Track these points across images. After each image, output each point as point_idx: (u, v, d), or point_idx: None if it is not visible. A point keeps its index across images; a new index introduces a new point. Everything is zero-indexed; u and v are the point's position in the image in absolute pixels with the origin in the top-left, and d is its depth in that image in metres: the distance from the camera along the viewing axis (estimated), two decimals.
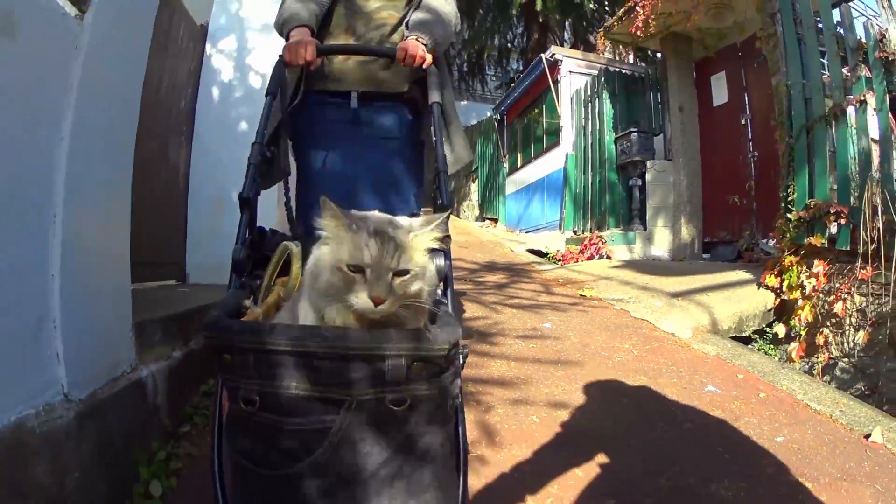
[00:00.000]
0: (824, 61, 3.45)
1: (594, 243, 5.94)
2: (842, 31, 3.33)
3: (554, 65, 7.45)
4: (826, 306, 3.22)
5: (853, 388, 3.12)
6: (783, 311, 3.45)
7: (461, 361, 0.85)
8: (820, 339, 3.24)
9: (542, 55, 7.57)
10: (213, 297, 2.05)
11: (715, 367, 2.64)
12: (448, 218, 1.09)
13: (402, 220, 0.89)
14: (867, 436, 1.99)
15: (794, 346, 3.33)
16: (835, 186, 3.28)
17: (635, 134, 5.73)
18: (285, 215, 1.49)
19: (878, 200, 2.98)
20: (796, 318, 3.32)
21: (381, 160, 1.65)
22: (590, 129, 6.79)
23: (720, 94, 5.25)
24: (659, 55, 6.13)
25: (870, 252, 2.95)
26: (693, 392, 2.31)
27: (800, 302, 3.30)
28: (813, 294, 3.25)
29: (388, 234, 0.79)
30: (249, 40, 3.42)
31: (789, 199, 3.42)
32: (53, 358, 1.12)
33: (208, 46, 3.39)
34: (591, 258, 5.83)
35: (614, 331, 3.09)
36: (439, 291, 1.03)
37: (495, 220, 10.47)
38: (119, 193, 1.42)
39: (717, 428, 2.02)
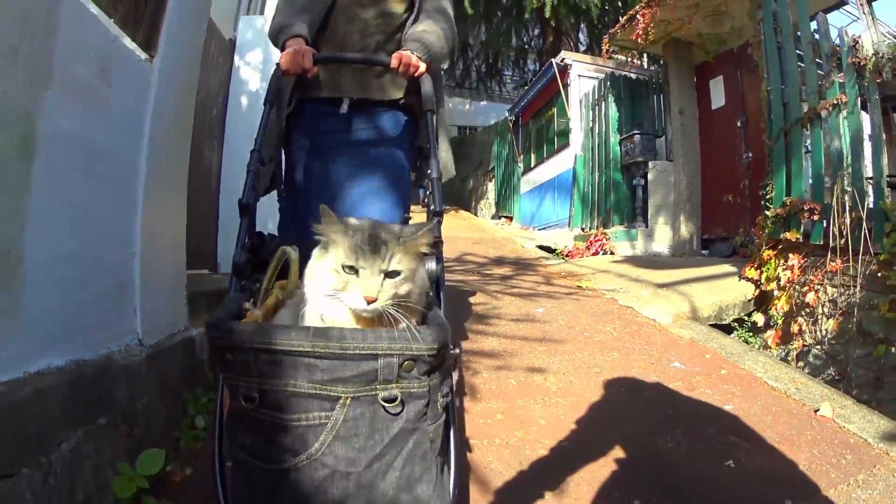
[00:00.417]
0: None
1: (598, 239, 6.23)
2: (818, 37, 3.58)
3: (564, 69, 7.75)
4: (800, 297, 3.47)
5: (824, 373, 3.32)
6: (762, 301, 3.71)
7: (454, 364, 0.91)
8: (795, 328, 3.49)
9: (553, 59, 7.88)
10: None
11: (686, 348, 2.93)
12: (440, 224, 1.21)
13: (394, 226, 0.96)
14: (816, 410, 2.14)
15: (770, 333, 3.59)
16: (810, 184, 3.53)
17: (638, 136, 6.01)
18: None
19: (847, 198, 3.23)
20: (773, 308, 3.58)
21: (374, 166, 1.66)
22: (597, 131, 7.08)
23: (718, 97, 5.49)
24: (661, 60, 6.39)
25: (839, 246, 3.20)
26: (659, 367, 2.61)
27: (776, 293, 3.56)
28: (788, 285, 3.51)
29: (381, 238, 0.87)
30: (274, 53, 3.78)
31: (767, 196, 3.69)
32: (133, 312, 1.52)
33: (236, 59, 3.74)
34: (595, 254, 6.12)
35: (600, 316, 3.40)
36: (431, 293, 1.06)
37: (510, 218, 10.76)
38: (179, 193, 1.83)
39: (672, 395, 2.30)
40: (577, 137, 7.64)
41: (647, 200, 6.01)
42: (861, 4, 3.63)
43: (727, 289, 3.78)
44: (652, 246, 5.90)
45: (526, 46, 13.70)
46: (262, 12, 4.28)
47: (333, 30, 1.69)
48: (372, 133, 1.70)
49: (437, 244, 1.09)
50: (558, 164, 8.30)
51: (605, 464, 1.72)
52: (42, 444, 1.09)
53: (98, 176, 1.38)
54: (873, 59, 3.20)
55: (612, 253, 6.01)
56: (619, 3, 9.11)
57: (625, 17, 5.71)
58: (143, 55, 1.53)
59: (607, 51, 6.21)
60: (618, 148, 6.53)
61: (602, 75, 7.15)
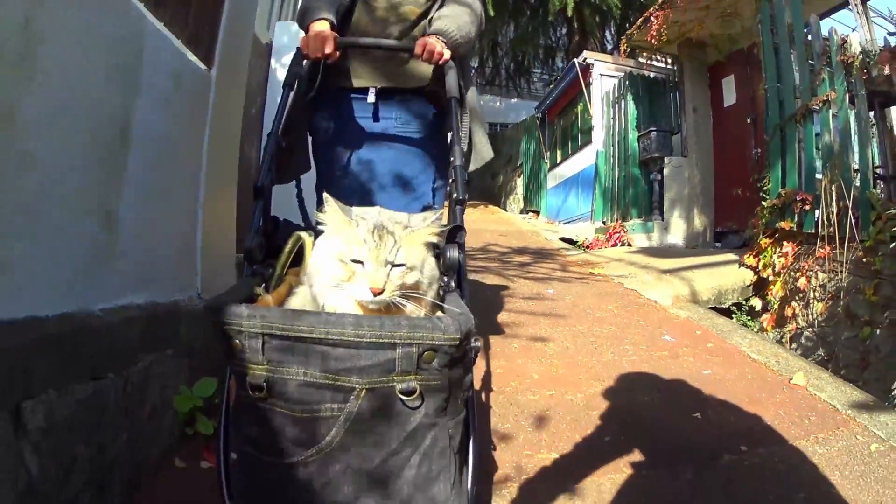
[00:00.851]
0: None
1: (617, 232, 6.54)
2: (811, 38, 3.83)
3: (586, 68, 8.04)
4: (794, 282, 3.74)
5: (815, 354, 3.55)
6: (760, 286, 3.99)
7: (473, 356, 0.84)
8: (788, 312, 3.76)
9: (576, 59, 8.18)
10: None
11: (679, 325, 3.25)
12: (463, 211, 1.23)
13: (401, 216, 0.95)
14: (790, 379, 2.33)
15: (766, 316, 3.87)
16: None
17: (655, 132, 6.29)
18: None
19: (835, 188, 3.49)
20: (769, 293, 3.86)
21: (400, 155, 1.67)
22: (617, 128, 7.37)
23: (730, 95, 5.72)
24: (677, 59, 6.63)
25: (827, 234, 3.47)
26: (650, 339, 2.94)
27: (771, 278, 3.84)
28: (782, 271, 3.79)
29: (387, 229, 0.85)
30: None
31: (765, 188, 3.96)
32: (194, 270, 1.90)
33: (273, 61, 4.02)
34: (614, 245, 6.43)
35: (605, 296, 3.76)
36: (453, 283, 1.02)
37: (537, 213, 11.07)
38: (230, 179, 2.30)
39: (656, 361, 2.62)
40: (598, 134, 7.93)
41: (663, 194, 6.28)
42: (855, 4, 3.86)
43: (727, 275, 4.08)
44: (667, 238, 6.17)
45: (553, 45, 13.95)
46: (294, 17, 4.66)
47: (357, 19, 1.70)
48: (398, 122, 1.70)
49: (458, 231, 1.06)
50: (582, 160, 8.60)
51: (585, 409, 2.06)
52: (125, 360, 1.34)
53: (173, 161, 1.72)
54: (860, 57, 3.46)
55: (629, 244, 6.31)
56: (642, 3, 9.29)
57: (640, 18, 5.99)
58: (204, 67, 1.89)
59: (625, 51, 6.48)
60: (636, 144, 6.81)
61: (622, 74, 7.43)
